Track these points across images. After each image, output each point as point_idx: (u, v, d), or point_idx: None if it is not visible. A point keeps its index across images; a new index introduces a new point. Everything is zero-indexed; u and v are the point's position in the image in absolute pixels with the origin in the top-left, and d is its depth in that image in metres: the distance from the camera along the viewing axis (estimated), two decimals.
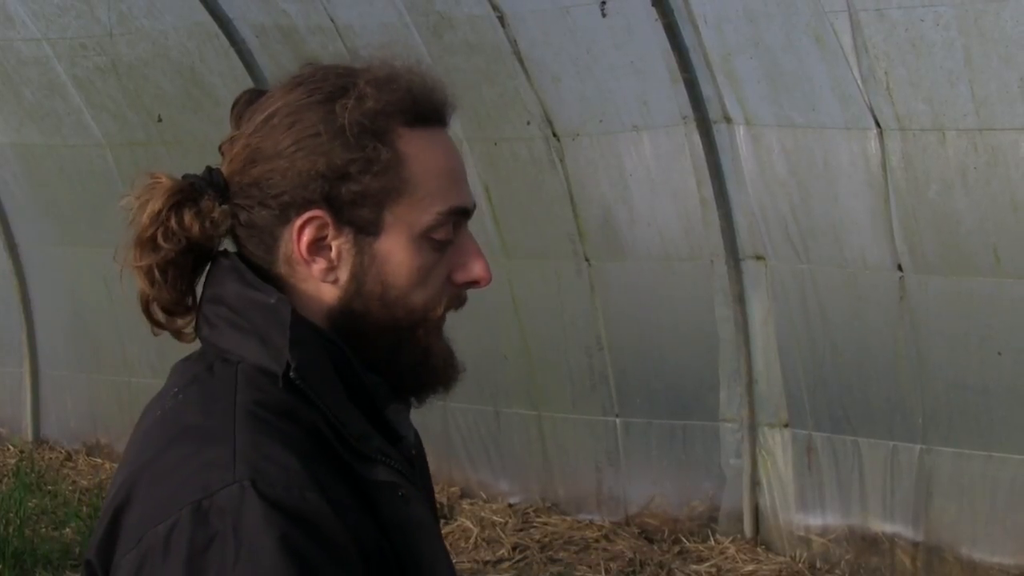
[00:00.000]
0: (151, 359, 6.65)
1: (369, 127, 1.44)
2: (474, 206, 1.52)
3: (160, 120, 6.11)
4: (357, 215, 1.44)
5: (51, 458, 7.24)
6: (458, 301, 1.52)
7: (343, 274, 1.46)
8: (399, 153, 1.45)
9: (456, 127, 6.20)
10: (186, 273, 1.47)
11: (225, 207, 1.46)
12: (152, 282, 1.45)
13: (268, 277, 1.46)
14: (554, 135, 5.33)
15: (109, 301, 6.69)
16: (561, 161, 5.37)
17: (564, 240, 5.52)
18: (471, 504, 6.05)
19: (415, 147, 1.46)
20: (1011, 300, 4.54)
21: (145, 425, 1.48)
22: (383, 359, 1.48)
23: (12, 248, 7.12)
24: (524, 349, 5.83)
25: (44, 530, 6.22)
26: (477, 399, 5.89)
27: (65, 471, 7.08)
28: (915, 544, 5.04)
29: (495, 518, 5.90)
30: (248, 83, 5.68)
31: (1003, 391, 4.69)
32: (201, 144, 5.89)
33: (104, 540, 1.35)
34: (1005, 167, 4.36)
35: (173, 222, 1.44)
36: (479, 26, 5.14)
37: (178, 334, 1.50)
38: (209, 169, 1.49)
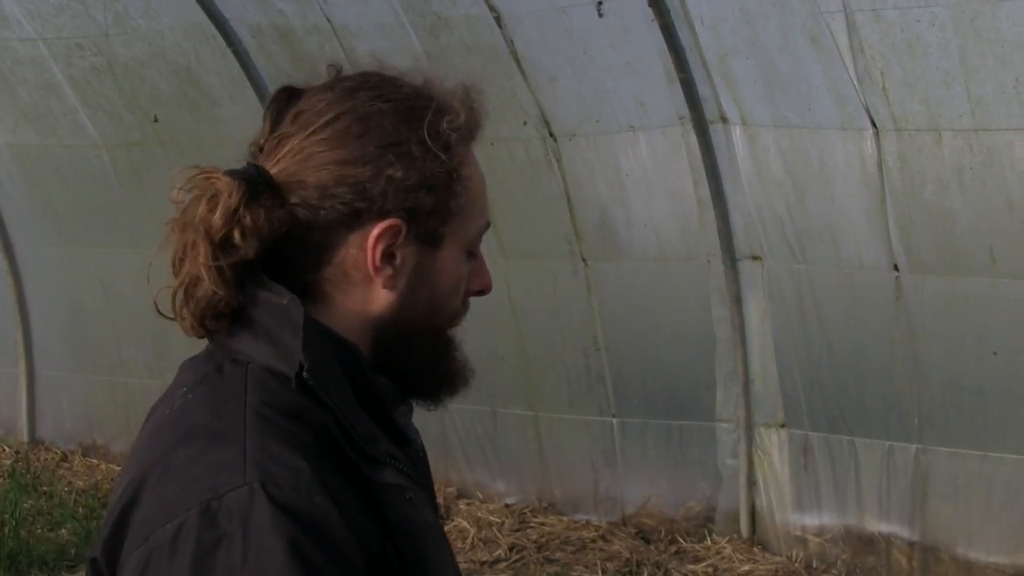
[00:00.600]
0: (147, 359, 6.65)
1: (452, 143, 1.48)
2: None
3: (156, 120, 6.10)
4: (426, 227, 1.48)
5: (47, 459, 7.23)
6: (467, 308, 1.59)
7: (401, 282, 1.48)
8: (461, 171, 1.50)
9: None
10: (243, 273, 1.42)
11: (286, 209, 1.43)
12: (226, 283, 1.40)
13: (296, 280, 1.45)
14: (551, 135, 5.33)
15: (105, 302, 6.69)
16: (558, 161, 5.37)
17: (561, 240, 5.52)
18: (468, 504, 6.05)
19: (470, 165, 1.53)
20: (1007, 300, 4.55)
21: (153, 424, 1.48)
22: (424, 362, 1.54)
23: (8, 248, 7.11)
24: (521, 349, 5.83)
25: (40, 531, 6.21)
26: (474, 399, 5.88)
27: (61, 472, 7.06)
28: (911, 544, 5.05)
29: (492, 518, 5.90)
30: (244, 84, 5.68)
31: (999, 391, 4.69)
32: (198, 144, 5.89)
33: (111, 538, 1.35)
34: (1000, 167, 4.36)
35: (249, 220, 1.40)
36: (475, 26, 5.14)
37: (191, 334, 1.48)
38: (256, 167, 1.45)
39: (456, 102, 1.52)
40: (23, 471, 6.91)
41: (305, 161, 1.44)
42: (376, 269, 1.46)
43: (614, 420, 5.72)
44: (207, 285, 1.39)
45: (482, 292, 1.59)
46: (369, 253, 1.45)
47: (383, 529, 1.38)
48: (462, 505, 6.04)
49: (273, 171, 1.44)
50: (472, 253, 1.55)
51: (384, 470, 1.41)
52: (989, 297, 4.58)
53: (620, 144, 5.23)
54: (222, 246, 1.39)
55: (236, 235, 1.39)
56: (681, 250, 5.31)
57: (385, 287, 1.47)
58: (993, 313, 4.60)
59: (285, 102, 1.49)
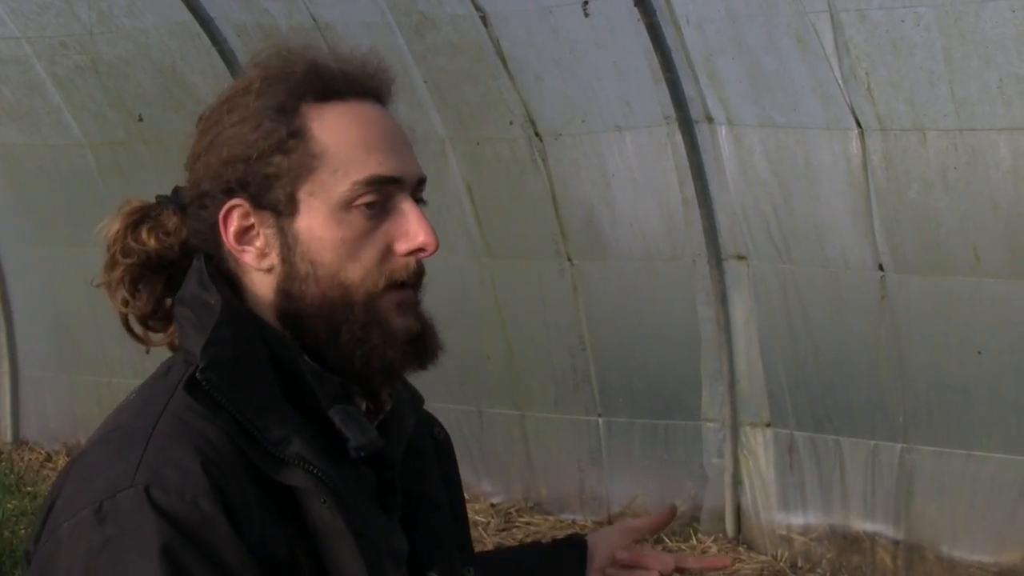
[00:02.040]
0: (132, 359, 6.62)
1: (272, 108, 1.44)
2: (415, 177, 1.49)
3: (141, 119, 6.08)
4: (272, 197, 1.44)
5: (31, 459, 7.21)
6: (407, 272, 1.47)
7: (274, 259, 1.46)
8: (307, 129, 1.44)
9: (438, 127, 6.22)
10: (158, 287, 1.52)
11: (180, 217, 1.50)
12: (124, 301, 1.51)
13: (226, 275, 1.48)
14: (536, 135, 5.33)
15: (89, 301, 6.66)
16: (544, 161, 5.36)
17: (547, 240, 5.52)
18: None
19: (325, 121, 1.45)
20: (991, 300, 4.56)
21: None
22: (324, 340, 1.45)
23: None
24: (507, 349, 5.83)
25: (23, 531, 6.18)
26: (460, 399, 5.89)
27: (45, 472, 7.04)
28: (896, 543, 5.06)
29: (478, 518, 5.89)
30: (229, 82, 5.66)
31: (983, 390, 4.71)
32: (182, 144, 5.84)
33: (39, 531, 1.38)
34: (985, 167, 4.38)
35: (130, 239, 1.49)
36: (461, 26, 5.13)
37: (173, 347, 1.53)
38: (176, 188, 1.53)
39: (284, 67, 1.47)
40: (7, 471, 6.89)
41: (188, 164, 1.52)
42: (237, 252, 1.46)
43: (600, 419, 5.72)
44: (112, 303, 1.51)
45: (418, 252, 1.47)
46: (224, 238, 1.46)
47: (297, 532, 1.37)
48: None
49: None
50: (367, 210, 1.44)
51: (293, 472, 1.37)
52: (974, 297, 4.60)
53: (606, 144, 5.23)
54: (110, 265, 1.51)
55: (118, 254, 1.50)
56: (667, 250, 5.31)
57: (259, 268, 1.46)
58: (978, 313, 4.61)
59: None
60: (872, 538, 5.13)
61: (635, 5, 4.72)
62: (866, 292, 4.83)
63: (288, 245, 1.44)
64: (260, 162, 1.43)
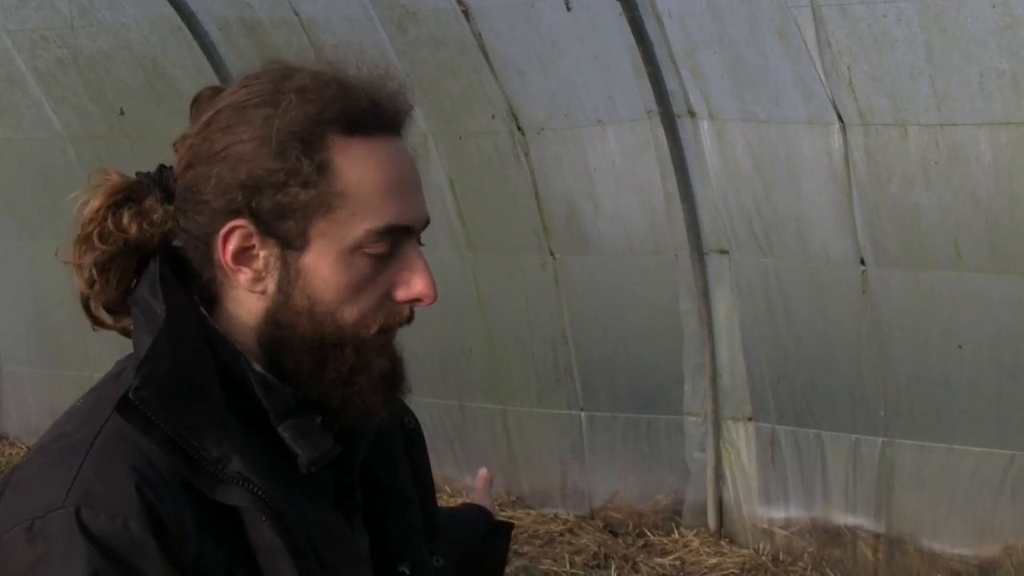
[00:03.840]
0: (113, 354, 6.50)
1: (298, 136, 1.37)
2: (423, 222, 1.45)
3: (122, 113, 6.06)
4: (282, 227, 1.38)
5: (11, 454, 7.17)
6: (400, 318, 1.44)
7: (270, 285, 1.40)
8: (330, 164, 1.38)
9: (421, 121, 6.17)
10: (128, 273, 1.44)
11: (168, 208, 1.43)
12: (90, 281, 1.44)
13: (202, 282, 1.43)
14: (519, 129, 5.32)
15: (70, 296, 6.60)
16: (526, 155, 5.36)
17: (529, 234, 5.52)
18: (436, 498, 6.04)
19: (350, 158, 1.38)
20: (971, 294, 4.58)
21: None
22: (306, 374, 1.41)
23: None
24: (489, 343, 5.83)
25: None
26: (442, 393, 5.89)
27: None
28: (877, 536, 5.08)
29: None
30: (212, 77, 5.65)
31: (964, 384, 4.73)
32: (164, 138, 5.81)
33: None
34: (966, 162, 4.39)
35: (110, 222, 1.42)
36: (443, 20, 5.13)
37: (125, 332, 1.47)
38: (161, 167, 1.46)
39: (318, 91, 1.39)
40: None
41: (187, 161, 1.42)
42: (231, 270, 1.40)
43: (582, 414, 5.73)
44: (77, 284, 1.43)
45: (415, 302, 1.44)
46: (220, 254, 1.40)
47: (240, 549, 1.35)
48: None
49: (175, 172, 1.44)
50: (374, 256, 1.40)
51: (229, 491, 1.33)
52: (954, 291, 4.62)
53: (588, 138, 5.23)
54: (86, 245, 1.42)
55: (95, 235, 1.41)
56: (649, 244, 5.32)
57: (251, 291, 1.41)
58: (958, 307, 4.63)
59: (206, 101, 1.45)
60: (853, 531, 5.15)
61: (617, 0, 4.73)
62: (847, 286, 4.84)
63: (289, 277, 1.39)
64: (278, 192, 1.37)
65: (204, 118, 1.42)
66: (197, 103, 1.46)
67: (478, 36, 5.12)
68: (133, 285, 1.44)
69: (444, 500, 6.01)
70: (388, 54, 5.20)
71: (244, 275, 1.40)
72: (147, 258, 1.44)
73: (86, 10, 5.75)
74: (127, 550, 1.27)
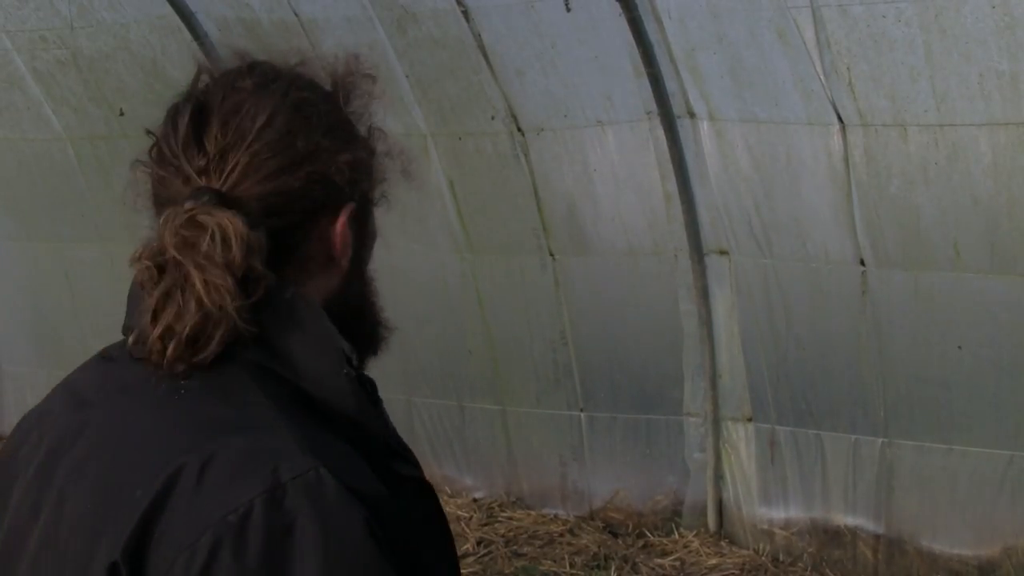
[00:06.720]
0: None
1: (353, 114, 1.49)
2: None
3: (122, 114, 6.05)
4: (367, 199, 1.50)
5: None
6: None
7: (345, 260, 1.47)
8: (372, 134, 1.51)
9: (420, 122, 6.18)
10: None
11: (257, 232, 1.36)
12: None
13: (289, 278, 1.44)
14: (518, 130, 5.32)
15: (70, 296, 6.63)
16: (525, 156, 5.36)
17: (528, 235, 5.52)
18: None
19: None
20: (971, 294, 4.58)
21: (130, 419, 1.39)
22: (363, 336, 1.50)
23: None
24: (488, 344, 5.83)
25: None
26: (441, 394, 5.88)
27: None
28: (876, 536, 5.08)
29: (460, 513, 5.89)
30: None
31: (963, 384, 4.73)
32: None
33: (136, 540, 1.28)
34: (965, 162, 4.39)
35: (258, 245, 1.37)
36: (443, 20, 5.13)
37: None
38: (209, 190, 1.38)
39: (351, 74, 1.51)
40: None
41: (258, 170, 1.39)
42: (341, 254, 1.46)
43: (582, 414, 5.73)
44: (229, 322, 1.33)
45: None
46: (337, 240, 1.44)
47: (407, 519, 1.39)
48: None
49: (225, 188, 1.38)
50: None
51: (402, 462, 1.42)
52: (954, 291, 4.62)
53: (588, 139, 5.23)
54: (244, 280, 1.34)
55: (257, 264, 1.35)
56: (648, 244, 5.32)
57: (341, 267, 1.47)
58: (958, 307, 4.63)
59: (198, 114, 1.46)
60: (853, 532, 5.15)
61: (617, 0, 4.73)
62: (847, 287, 4.84)
63: (359, 244, 1.48)
64: (366, 168, 1.48)
65: (255, 126, 1.41)
66: (191, 121, 1.47)
67: (478, 37, 5.13)
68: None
69: (443, 501, 6.01)
70: (388, 54, 5.20)
71: (347, 255, 1.46)
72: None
73: (85, 11, 5.75)
74: (380, 502, 1.31)
